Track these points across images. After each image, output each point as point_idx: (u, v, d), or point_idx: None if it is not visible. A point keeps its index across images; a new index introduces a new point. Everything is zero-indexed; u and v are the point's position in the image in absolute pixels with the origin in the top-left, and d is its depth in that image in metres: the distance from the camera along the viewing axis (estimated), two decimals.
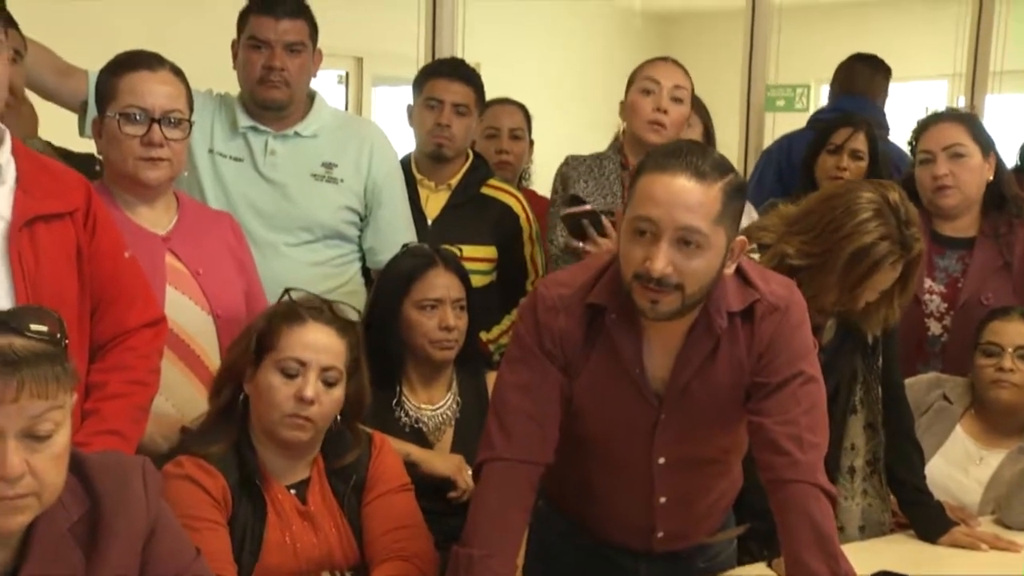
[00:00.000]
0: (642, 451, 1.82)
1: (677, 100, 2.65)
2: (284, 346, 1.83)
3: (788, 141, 3.79)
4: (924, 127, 2.72)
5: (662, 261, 1.62)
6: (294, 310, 1.86)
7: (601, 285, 1.76)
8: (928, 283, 2.68)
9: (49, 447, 1.30)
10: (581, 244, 2.52)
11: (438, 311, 2.27)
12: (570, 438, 1.82)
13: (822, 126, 3.26)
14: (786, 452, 1.73)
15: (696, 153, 1.66)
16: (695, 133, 3.04)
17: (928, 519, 2.26)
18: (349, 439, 1.92)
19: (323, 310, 1.88)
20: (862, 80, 3.82)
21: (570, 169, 2.70)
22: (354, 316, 1.93)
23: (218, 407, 1.87)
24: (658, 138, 2.61)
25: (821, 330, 2.16)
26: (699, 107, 3.10)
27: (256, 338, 1.84)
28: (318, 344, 1.84)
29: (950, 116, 2.77)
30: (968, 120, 2.74)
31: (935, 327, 2.69)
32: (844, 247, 2.05)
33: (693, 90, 2.73)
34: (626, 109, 2.70)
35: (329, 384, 1.84)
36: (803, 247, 2.09)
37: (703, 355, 1.76)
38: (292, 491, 1.87)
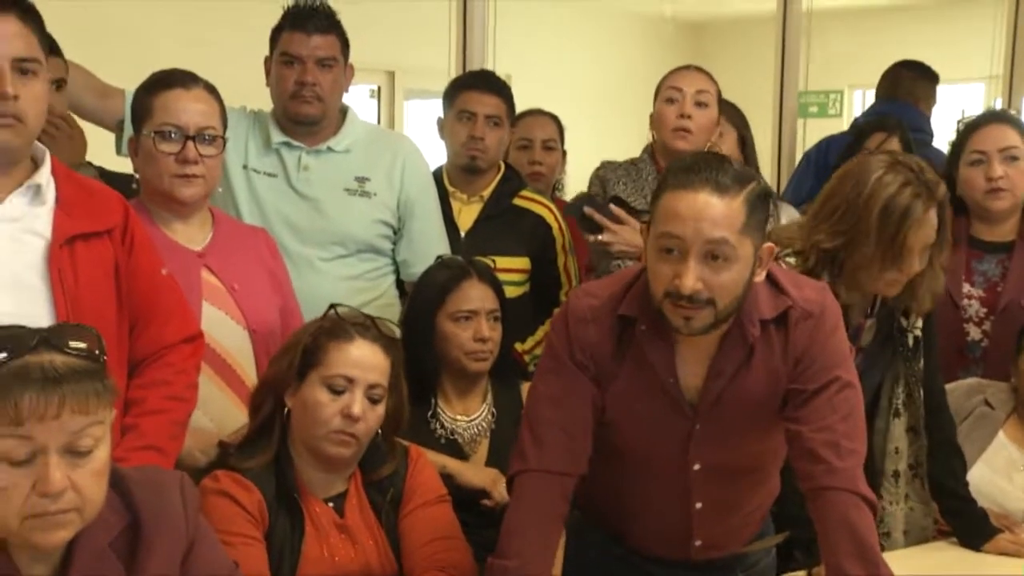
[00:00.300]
0: (677, 459, 1.82)
1: (701, 104, 2.65)
2: (331, 362, 1.84)
3: (827, 143, 3.78)
4: (975, 127, 2.68)
5: (691, 278, 1.62)
6: (341, 326, 1.87)
7: (631, 296, 1.75)
8: (967, 288, 2.65)
9: (90, 463, 1.32)
10: (597, 236, 2.51)
11: (472, 323, 2.27)
12: (604, 448, 1.82)
13: (857, 130, 3.24)
14: (824, 460, 1.71)
15: (715, 167, 1.65)
16: (729, 141, 3.02)
17: (972, 526, 2.23)
18: (386, 452, 1.93)
19: (369, 327, 1.89)
20: (905, 86, 3.82)
21: (607, 172, 2.72)
22: (396, 333, 1.94)
23: (259, 421, 1.88)
24: (685, 144, 2.62)
25: (861, 331, 2.14)
26: (734, 114, 3.09)
27: (301, 353, 1.85)
28: (365, 361, 1.85)
29: (1003, 117, 2.74)
30: (1019, 123, 2.70)
31: (975, 332, 2.65)
32: (871, 207, 2.03)
33: (720, 94, 2.72)
34: (654, 120, 2.72)
35: (374, 401, 1.85)
36: (833, 227, 2.07)
37: (737, 364, 1.75)
38: (330, 504, 1.88)
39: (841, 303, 2.03)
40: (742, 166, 1.71)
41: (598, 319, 1.76)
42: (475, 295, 2.29)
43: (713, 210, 1.61)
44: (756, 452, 1.86)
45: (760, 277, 1.71)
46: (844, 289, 2.07)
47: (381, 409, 1.87)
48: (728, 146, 3.01)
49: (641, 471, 1.86)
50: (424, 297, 2.33)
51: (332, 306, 1.93)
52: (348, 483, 1.90)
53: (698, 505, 1.86)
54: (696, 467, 1.82)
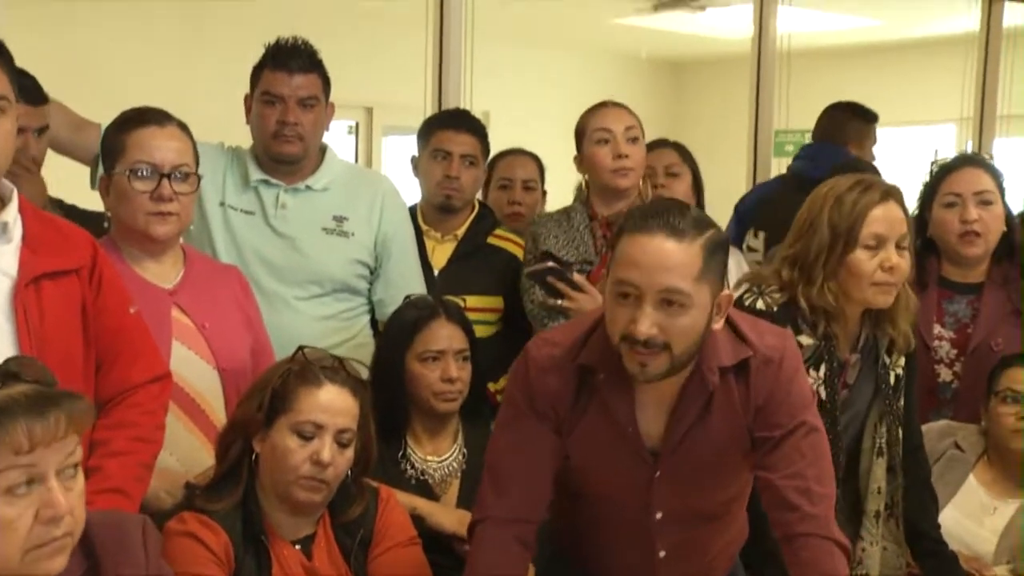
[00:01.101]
0: (639, 506, 1.81)
1: (633, 140, 2.66)
2: (300, 408, 1.82)
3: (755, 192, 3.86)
4: (950, 169, 2.69)
5: (646, 323, 1.62)
6: (310, 370, 1.86)
7: (591, 345, 1.75)
8: (937, 329, 2.66)
9: (77, 484, 1.33)
10: (559, 301, 2.52)
11: (440, 363, 2.26)
12: (568, 493, 1.81)
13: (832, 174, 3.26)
14: (796, 507, 1.72)
15: (674, 212, 1.66)
16: (685, 183, 3.06)
17: (942, 569, 2.23)
18: (354, 493, 1.91)
19: (338, 370, 1.87)
20: (832, 127, 3.85)
21: (538, 227, 2.69)
22: (364, 373, 1.93)
23: (227, 463, 1.86)
24: (627, 181, 2.64)
25: (847, 368, 2.15)
26: (688, 155, 3.14)
27: (270, 397, 1.84)
28: (334, 406, 1.83)
29: (977, 162, 2.75)
30: (992, 168, 2.72)
31: (945, 373, 2.66)
32: (827, 202, 2.09)
33: (641, 125, 2.72)
34: (585, 162, 2.69)
35: (343, 445, 1.84)
36: (793, 239, 2.12)
37: (696, 411, 1.75)
38: (297, 547, 1.86)
39: (829, 335, 2.05)
40: (700, 213, 1.72)
41: (558, 368, 1.76)
42: (443, 335, 2.28)
43: (669, 256, 1.62)
44: (719, 498, 1.86)
45: (718, 324, 1.71)
46: (829, 319, 2.08)
47: (350, 453, 1.86)
48: (684, 187, 3.05)
49: (604, 516, 1.86)
50: (393, 337, 2.32)
51: (300, 348, 1.92)
52: (316, 526, 1.89)
53: (662, 553, 1.86)
54: (658, 516, 1.82)
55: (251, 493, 1.84)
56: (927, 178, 2.77)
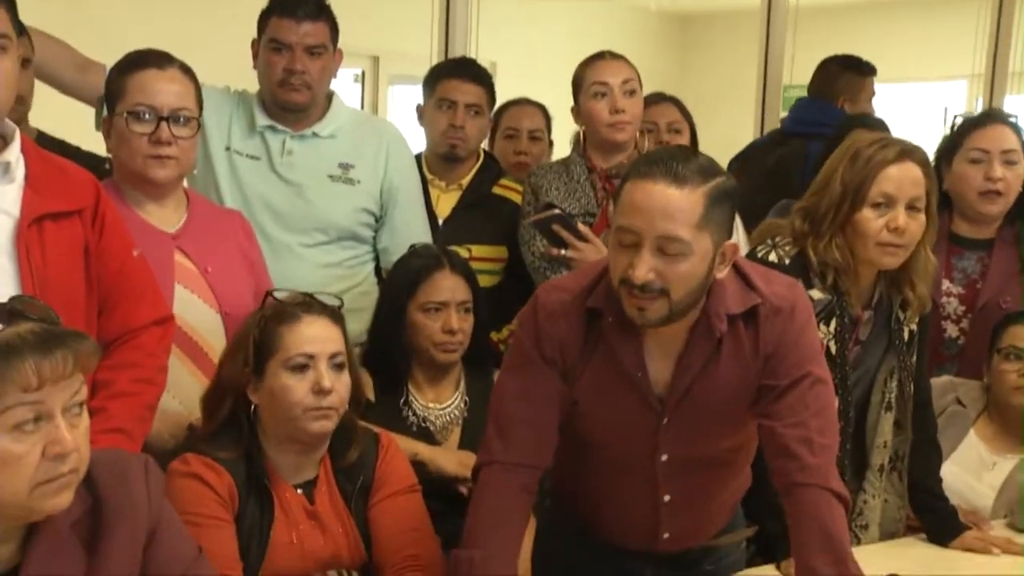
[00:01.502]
0: (646, 451, 1.82)
1: (630, 93, 2.63)
2: (287, 346, 1.83)
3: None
4: (977, 125, 2.65)
5: (643, 268, 1.62)
6: (285, 310, 1.87)
7: (599, 289, 1.75)
8: (946, 284, 2.65)
9: (82, 421, 1.33)
10: (562, 251, 2.51)
11: (442, 314, 2.26)
12: (573, 440, 1.81)
13: (840, 130, 3.24)
14: (796, 456, 1.72)
15: (679, 158, 1.64)
16: (684, 139, 3.06)
17: (941, 523, 2.24)
18: (352, 433, 1.92)
19: (311, 304, 1.89)
20: (824, 82, 3.78)
21: (538, 178, 2.67)
22: (336, 303, 1.94)
23: (219, 420, 1.85)
24: (624, 135, 2.62)
25: (859, 324, 2.14)
26: (685, 112, 3.13)
27: (254, 347, 1.84)
28: (319, 336, 1.85)
29: (1005, 119, 2.70)
30: (1017, 127, 2.67)
31: (952, 329, 2.65)
32: (843, 159, 2.08)
33: (639, 77, 2.69)
34: (582, 115, 2.68)
35: (338, 367, 1.85)
36: (812, 190, 2.11)
37: (704, 358, 1.75)
38: (299, 490, 1.87)
39: (840, 291, 2.05)
40: (708, 160, 1.70)
41: (567, 313, 1.76)
42: (446, 286, 2.28)
43: (668, 201, 1.61)
44: (725, 447, 1.86)
45: (722, 274, 1.70)
46: (839, 274, 2.07)
47: (347, 376, 1.87)
48: (684, 142, 3.04)
49: (609, 463, 1.86)
50: (396, 287, 2.32)
51: (268, 293, 1.93)
52: (318, 469, 1.89)
53: (666, 498, 1.86)
54: (663, 458, 1.82)
55: (253, 441, 1.85)
56: (948, 131, 2.73)
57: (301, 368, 1.82)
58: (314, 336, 1.84)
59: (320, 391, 1.81)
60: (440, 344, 2.26)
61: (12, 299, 1.38)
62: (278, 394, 1.83)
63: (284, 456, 1.86)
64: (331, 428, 1.85)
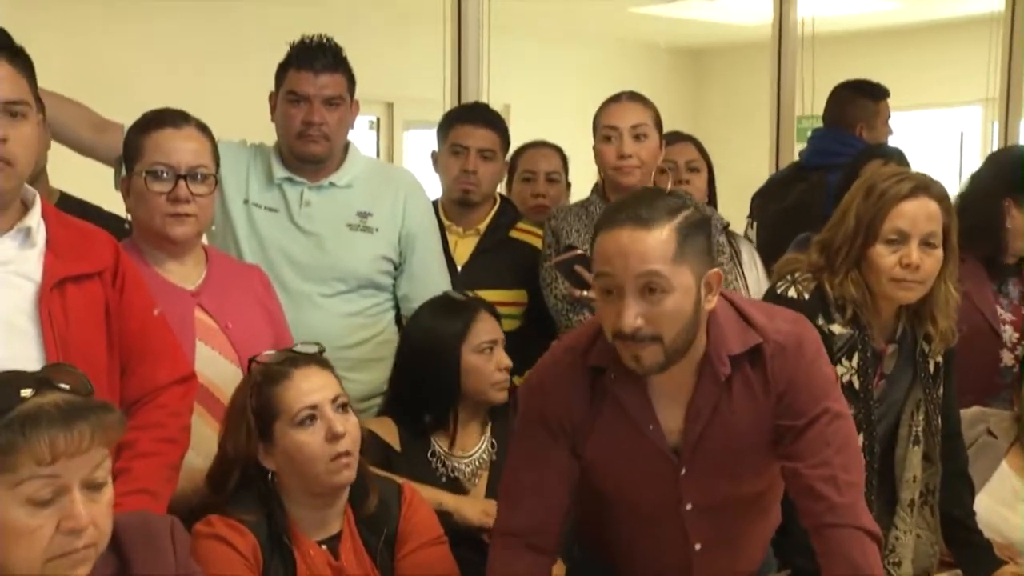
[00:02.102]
0: (669, 502, 1.80)
1: (640, 137, 2.63)
2: (289, 404, 1.83)
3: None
4: None
5: (630, 315, 1.61)
6: (274, 372, 1.86)
7: (599, 345, 1.74)
8: (999, 311, 2.62)
9: (103, 496, 1.33)
10: (583, 292, 2.51)
11: (495, 353, 2.27)
12: (595, 495, 1.81)
13: (854, 160, 3.23)
14: (823, 496, 1.70)
15: (641, 202, 1.65)
16: (702, 177, 3.06)
17: (975, 557, 2.21)
18: (367, 480, 1.90)
19: (296, 357, 1.88)
20: (839, 109, 3.73)
21: (558, 221, 2.68)
22: (316, 349, 1.93)
23: (229, 492, 1.84)
24: (631, 179, 2.62)
25: (883, 357, 2.12)
26: (702, 150, 3.15)
27: (255, 417, 1.83)
28: (316, 384, 1.85)
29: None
30: None
31: (1007, 358, 2.62)
32: (858, 193, 2.07)
33: (659, 117, 2.70)
34: (596, 156, 2.70)
35: (343, 409, 1.85)
36: (829, 224, 2.11)
37: (713, 403, 1.73)
38: (323, 546, 1.86)
39: (861, 325, 2.03)
40: (674, 197, 1.71)
41: (570, 374, 1.76)
42: (491, 327, 2.30)
43: (638, 243, 1.61)
44: (750, 490, 1.84)
45: (711, 304, 1.69)
46: (861, 309, 2.05)
47: (352, 415, 1.87)
48: (702, 181, 3.05)
49: (635, 515, 1.85)
50: (444, 334, 2.28)
51: (250, 360, 1.91)
52: (342, 523, 1.88)
53: (697, 546, 1.84)
54: (688, 507, 1.80)
55: (274, 501, 1.84)
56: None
57: (309, 420, 1.82)
58: (311, 387, 1.84)
59: (334, 437, 1.80)
60: (497, 383, 2.27)
61: (48, 367, 1.39)
62: (295, 453, 1.82)
63: (306, 512, 1.85)
64: (353, 476, 1.84)
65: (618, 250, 1.61)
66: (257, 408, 1.83)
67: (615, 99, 2.70)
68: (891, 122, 3.82)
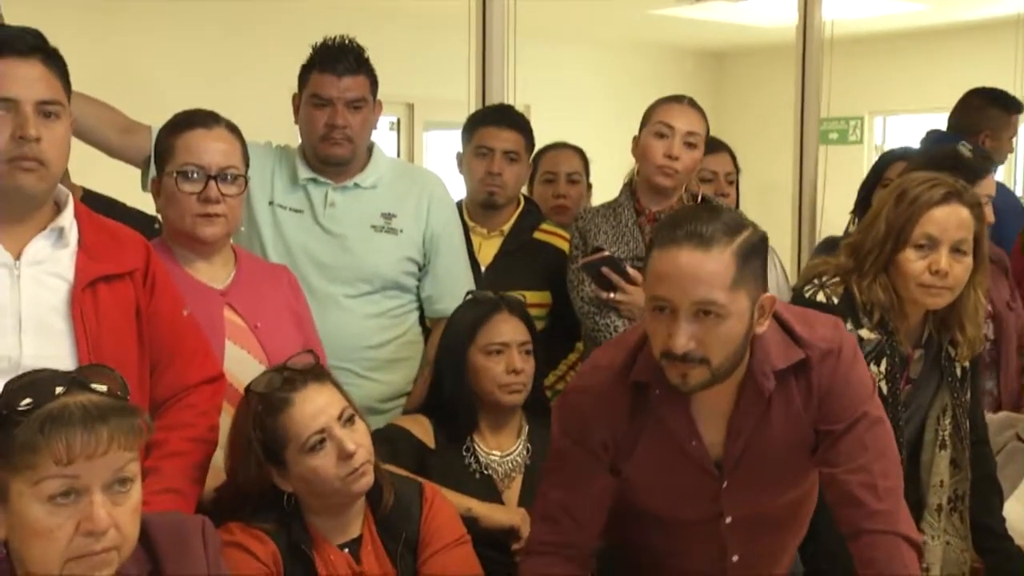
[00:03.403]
0: (709, 517, 1.79)
1: (690, 145, 2.61)
2: (297, 431, 1.80)
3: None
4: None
5: (682, 338, 1.59)
6: (275, 400, 1.82)
7: (641, 361, 1.73)
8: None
9: (129, 499, 1.33)
10: (611, 294, 2.50)
11: (504, 355, 2.26)
12: (632, 511, 1.80)
13: (877, 162, 3.22)
14: (862, 502, 1.69)
15: (701, 219, 1.61)
16: (733, 190, 3.04)
17: (1006, 564, 2.20)
18: (380, 480, 1.89)
19: (293, 379, 1.84)
20: (964, 116, 3.63)
21: (586, 223, 2.66)
22: (312, 360, 1.90)
23: (246, 512, 1.82)
24: (669, 182, 2.60)
25: (910, 362, 2.11)
26: (735, 160, 3.13)
27: (262, 448, 1.81)
28: (319, 405, 1.82)
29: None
30: None
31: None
32: (890, 197, 2.06)
33: (709, 132, 2.69)
34: (638, 149, 2.66)
35: (350, 422, 1.83)
36: (860, 227, 2.10)
37: (755, 419, 1.72)
38: (345, 550, 1.85)
39: (889, 329, 2.02)
40: (734, 215, 1.68)
41: (611, 391, 1.74)
42: (506, 328, 2.28)
43: (698, 268, 1.58)
44: (789, 500, 1.84)
45: (762, 328, 1.67)
46: (889, 314, 2.05)
47: (361, 425, 1.85)
48: (733, 191, 3.03)
49: (672, 530, 1.84)
50: (455, 333, 2.31)
51: (246, 389, 1.87)
52: (362, 526, 1.88)
53: (735, 558, 1.83)
54: (728, 521, 1.79)
55: (294, 514, 1.83)
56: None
57: (320, 444, 1.79)
58: (316, 409, 1.81)
59: (348, 456, 1.79)
60: (505, 385, 2.25)
61: (85, 368, 1.40)
62: (311, 477, 1.80)
63: (326, 520, 1.85)
64: (371, 482, 1.83)
65: (676, 272, 1.58)
66: (263, 440, 1.80)
67: (677, 99, 2.67)
68: (915, 130, 3.76)
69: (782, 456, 1.74)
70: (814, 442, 1.74)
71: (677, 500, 1.79)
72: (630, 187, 2.71)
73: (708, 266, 1.58)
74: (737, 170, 3.15)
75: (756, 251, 1.64)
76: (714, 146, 3.04)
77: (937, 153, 2.74)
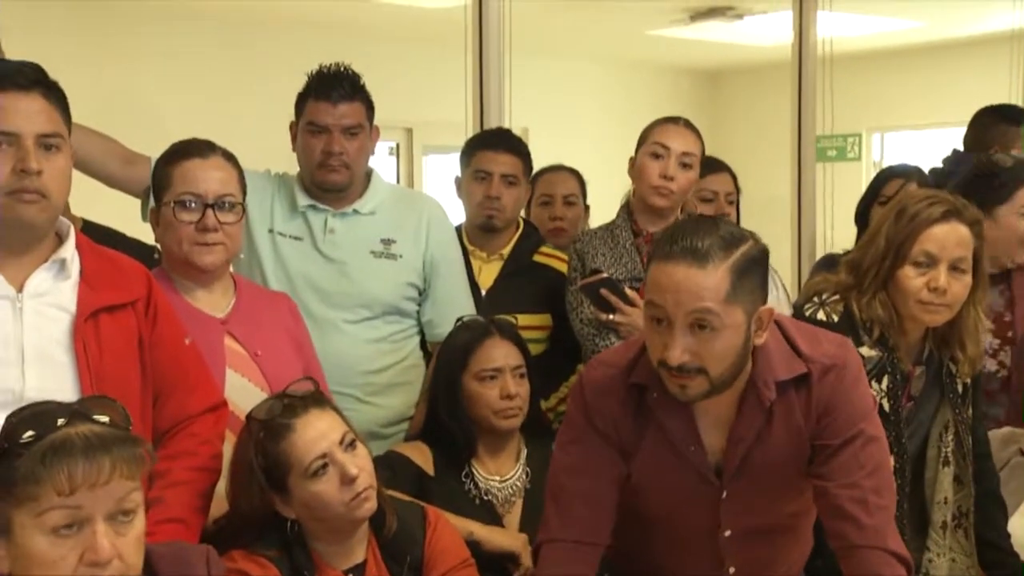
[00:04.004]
0: (707, 525, 1.79)
1: (685, 166, 2.62)
2: (299, 457, 1.80)
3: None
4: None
5: (677, 350, 1.61)
6: (277, 427, 1.82)
7: (642, 364, 1.74)
8: None
9: (132, 529, 1.33)
10: (610, 316, 2.51)
11: (498, 381, 2.26)
12: (633, 516, 1.79)
13: (875, 179, 3.23)
14: (852, 517, 1.69)
15: (699, 234, 1.62)
16: (733, 210, 3.03)
17: None
18: (383, 504, 1.89)
19: (294, 405, 1.84)
20: (976, 134, 3.62)
21: (584, 244, 2.67)
22: (312, 387, 1.90)
23: (248, 537, 1.82)
24: (664, 202, 2.61)
25: (911, 379, 2.12)
26: (735, 179, 3.12)
27: (264, 475, 1.81)
28: (320, 431, 1.82)
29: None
30: None
31: (989, 363, 2.62)
32: (889, 214, 2.07)
33: (704, 152, 2.70)
34: (634, 169, 2.67)
35: (351, 447, 1.83)
36: (859, 244, 2.11)
37: (756, 428, 1.73)
38: (349, 575, 1.85)
39: (889, 346, 2.02)
40: (732, 229, 1.68)
41: (614, 390, 1.75)
42: (498, 353, 2.28)
43: (692, 282, 1.59)
44: (788, 512, 1.84)
45: (760, 340, 1.68)
46: (888, 330, 2.05)
47: (363, 449, 1.86)
48: (734, 212, 3.03)
49: (671, 538, 1.84)
50: (448, 360, 2.32)
51: (248, 416, 1.87)
52: (366, 551, 1.88)
53: (731, 570, 1.83)
54: (727, 534, 1.79)
55: (296, 541, 1.83)
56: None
57: (322, 470, 1.80)
58: (317, 434, 1.81)
59: (350, 480, 1.79)
60: (500, 411, 2.25)
61: (87, 399, 1.40)
62: (313, 503, 1.80)
63: (329, 545, 1.85)
64: (374, 507, 1.83)
65: (671, 285, 1.60)
66: (266, 466, 1.81)
67: (673, 120, 2.69)
68: (906, 146, 3.75)
69: (781, 467, 1.75)
70: (810, 455, 1.75)
71: (677, 507, 1.79)
72: (627, 208, 2.72)
73: (703, 281, 1.59)
74: (738, 190, 3.16)
75: (754, 264, 1.65)
76: (715, 166, 3.05)
77: (978, 163, 2.77)
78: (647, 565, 1.90)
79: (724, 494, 1.76)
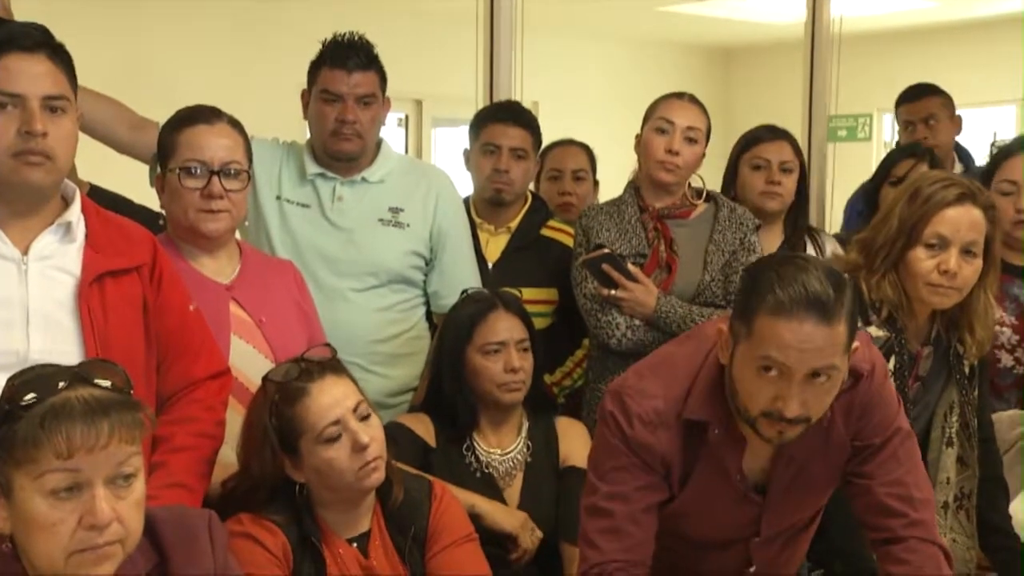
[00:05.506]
0: (744, 536, 1.82)
1: (690, 140, 2.60)
2: (313, 422, 1.81)
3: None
4: (1007, 155, 2.62)
5: (796, 404, 1.59)
6: (292, 389, 1.82)
7: (696, 397, 1.72)
8: (999, 314, 2.60)
9: (132, 493, 1.33)
10: (612, 291, 2.50)
11: (502, 354, 2.26)
12: (663, 530, 1.79)
13: (885, 159, 3.21)
14: (900, 513, 1.73)
15: (819, 290, 1.57)
16: (793, 178, 2.92)
17: (1012, 562, 2.19)
18: (390, 475, 1.90)
19: (311, 370, 1.84)
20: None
21: (589, 219, 2.65)
22: (327, 353, 1.90)
23: (258, 500, 1.82)
24: (669, 177, 2.59)
25: (919, 359, 2.12)
26: (797, 149, 2.98)
27: (277, 436, 1.81)
28: (336, 397, 1.83)
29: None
30: None
31: (1006, 359, 2.60)
32: (903, 195, 2.06)
33: (710, 128, 2.68)
34: (640, 145, 2.66)
35: (365, 418, 1.84)
36: (872, 223, 2.09)
37: (805, 449, 1.73)
38: (354, 544, 1.86)
39: (897, 327, 2.02)
40: (829, 266, 1.65)
41: (664, 424, 1.72)
42: (503, 327, 2.28)
43: (820, 340, 1.57)
44: (812, 512, 1.88)
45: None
46: (896, 311, 2.05)
47: (375, 420, 1.86)
48: (793, 182, 2.92)
49: (701, 546, 1.86)
50: (452, 333, 2.32)
51: (264, 378, 1.87)
52: (371, 521, 1.88)
53: (752, 569, 1.86)
54: (756, 540, 1.82)
55: (304, 506, 1.84)
56: (987, 161, 2.69)
57: (335, 437, 1.80)
58: (332, 401, 1.82)
59: (361, 448, 1.79)
60: (504, 384, 2.25)
61: (88, 362, 1.40)
62: (324, 469, 1.81)
63: (336, 514, 1.86)
64: (383, 478, 1.84)
65: (797, 343, 1.56)
66: (279, 428, 1.81)
67: (677, 96, 2.67)
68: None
69: (822, 474, 1.78)
70: (847, 458, 1.77)
71: (715, 527, 1.81)
72: (634, 184, 2.71)
73: (831, 338, 1.58)
74: (799, 158, 2.96)
75: (855, 302, 1.65)
76: (769, 133, 2.94)
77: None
78: (670, 566, 1.89)
79: (765, 512, 1.78)
